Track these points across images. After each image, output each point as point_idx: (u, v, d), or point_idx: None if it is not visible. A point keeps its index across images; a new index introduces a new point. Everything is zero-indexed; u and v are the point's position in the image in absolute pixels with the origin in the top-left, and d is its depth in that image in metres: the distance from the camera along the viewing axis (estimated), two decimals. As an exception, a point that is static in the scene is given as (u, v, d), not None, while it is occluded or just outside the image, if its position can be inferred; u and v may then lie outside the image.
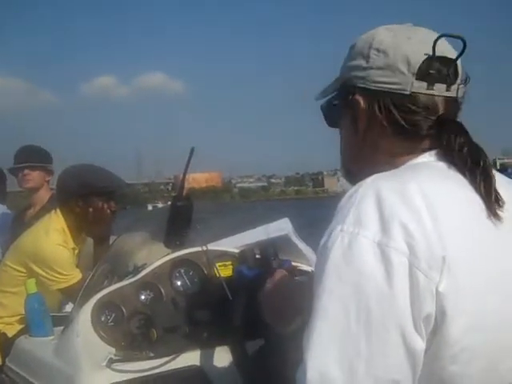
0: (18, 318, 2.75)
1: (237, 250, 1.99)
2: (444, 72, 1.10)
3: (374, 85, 1.11)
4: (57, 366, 1.81)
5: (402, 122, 1.10)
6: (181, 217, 1.96)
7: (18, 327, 2.72)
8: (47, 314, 2.21)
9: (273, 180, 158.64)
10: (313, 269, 1.94)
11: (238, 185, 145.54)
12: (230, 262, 1.96)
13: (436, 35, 1.10)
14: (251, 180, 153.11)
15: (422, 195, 0.95)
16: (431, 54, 1.08)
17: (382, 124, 1.11)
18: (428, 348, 0.92)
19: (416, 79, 1.09)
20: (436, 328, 0.92)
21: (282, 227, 2.11)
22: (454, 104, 1.12)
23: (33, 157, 3.84)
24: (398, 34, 1.13)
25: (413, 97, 1.09)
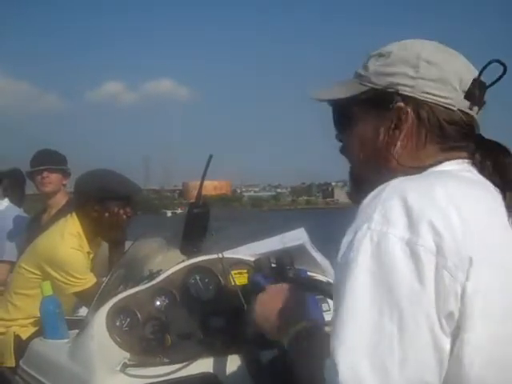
0: (32, 320, 2.77)
1: (252, 259, 1.99)
2: (480, 96, 1.14)
3: (423, 95, 1.12)
4: (71, 369, 1.82)
5: (447, 133, 1.12)
6: (197, 224, 1.97)
7: (32, 329, 2.74)
8: (62, 316, 2.22)
9: (279, 190, 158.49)
10: (328, 279, 1.94)
11: (245, 194, 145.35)
12: (245, 270, 1.96)
13: (461, 56, 1.16)
14: (256, 189, 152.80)
15: (447, 196, 0.96)
16: (476, 75, 1.13)
17: (423, 134, 1.13)
18: (451, 350, 0.92)
19: (464, 97, 1.12)
20: (458, 329, 0.92)
21: (298, 237, 2.11)
22: (477, 125, 1.17)
23: (51, 160, 3.86)
24: (444, 50, 1.17)
25: (457, 113, 1.12)
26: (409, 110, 1.12)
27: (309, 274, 1.84)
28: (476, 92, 1.13)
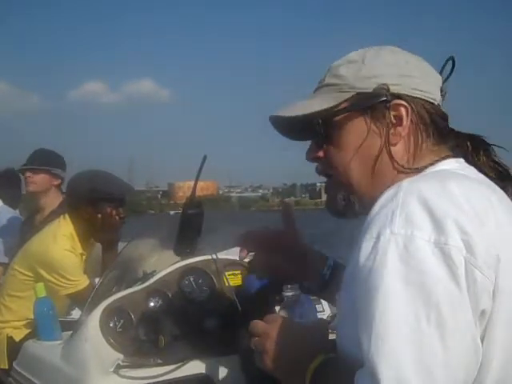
0: (25, 322, 2.76)
1: (247, 260, 1.99)
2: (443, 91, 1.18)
3: (412, 91, 1.13)
4: (65, 370, 1.82)
5: (439, 127, 1.14)
6: (191, 224, 1.97)
7: (25, 331, 2.73)
8: (56, 318, 2.22)
9: (261, 191, 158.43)
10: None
11: (230, 194, 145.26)
12: (239, 272, 1.96)
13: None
14: (238, 190, 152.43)
15: (464, 195, 0.95)
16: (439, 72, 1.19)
17: (418, 128, 1.13)
18: None
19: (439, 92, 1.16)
20: (487, 327, 0.91)
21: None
22: None
23: (37, 160, 3.81)
24: (408, 53, 1.20)
25: (438, 107, 1.15)
26: (407, 105, 1.12)
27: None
28: (443, 87, 1.17)
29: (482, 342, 0.91)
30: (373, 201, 1.01)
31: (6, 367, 2.61)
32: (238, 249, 2.11)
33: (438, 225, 0.90)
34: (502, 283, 0.91)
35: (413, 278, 0.88)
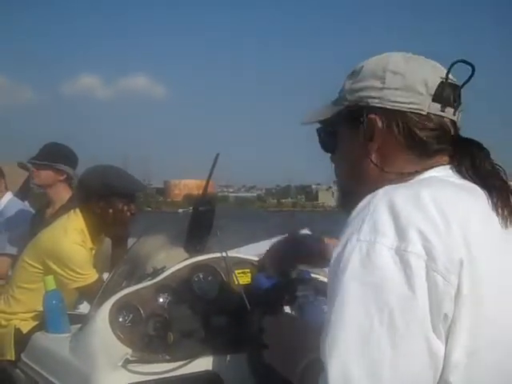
0: (33, 314, 2.77)
1: (256, 258, 1.99)
2: (452, 97, 1.17)
3: (391, 104, 1.16)
4: (73, 363, 1.82)
5: (420, 139, 1.15)
6: (202, 222, 1.97)
7: (33, 323, 2.74)
8: (65, 311, 2.23)
9: (253, 191, 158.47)
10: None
11: (226, 194, 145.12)
12: (248, 270, 1.97)
13: (437, 64, 1.20)
14: (231, 190, 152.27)
15: (434, 202, 0.97)
16: (444, 78, 1.16)
17: (397, 141, 1.16)
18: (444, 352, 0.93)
19: (432, 101, 1.15)
20: (450, 331, 0.93)
21: (302, 238, 2.11)
22: (456, 128, 1.20)
23: (42, 155, 3.82)
24: (410, 59, 1.20)
25: (428, 117, 1.15)
26: (378, 119, 1.16)
27: (312, 275, 1.84)
28: (444, 93, 1.16)
29: (448, 344, 0.93)
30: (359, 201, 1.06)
31: (13, 359, 2.62)
32: (247, 247, 2.13)
33: (400, 232, 0.94)
34: (468, 287, 0.93)
35: (370, 283, 0.93)
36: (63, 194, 3.84)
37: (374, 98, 1.17)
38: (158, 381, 1.68)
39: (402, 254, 0.92)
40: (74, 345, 1.90)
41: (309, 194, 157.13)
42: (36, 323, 2.70)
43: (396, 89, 1.16)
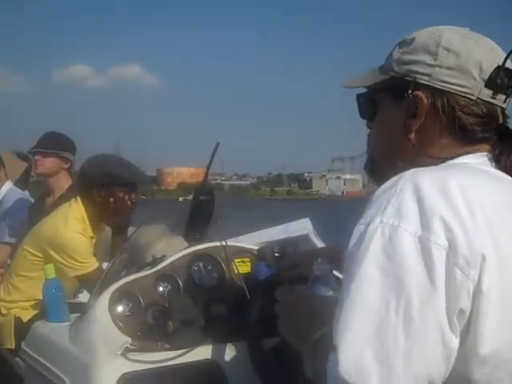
0: (33, 303, 2.77)
1: (256, 247, 1.99)
2: (506, 84, 1.11)
3: (440, 84, 1.11)
4: (73, 352, 1.83)
5: (464, 125, 1.10)
6: (202, 211, 1.97)
7: (33, 312, 2.74)
8: (64, 300, 2.23)
9: (245, 179, 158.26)
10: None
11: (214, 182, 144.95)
12: (248, 259, 1.97)
13: (494, 44, 1.14)
14: (223, 178, 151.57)
15: (461, 190, 0.94)
16: (500, 63, 1.10)
17: (440, 124, 1.12)
18: (459, 348, 0.91)
19: (484, 86, 1.10)
20: (468, 326, 0.91)
21: (302, 227, 2.11)
22: (505, 116, 1.15)
23: (46, 143, 3.82)
24: (466, 36, 1.14)
25: (476, 102, 1.10)
26: (424, 98, 1.11)
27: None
28: (498, 79, 1.10)
29: (466, 339, 0.91)
30: (390, 176, 1.02)
31: (13, 347, 2.62)
32: (247, 236, 2.13)
33: (425, 219, 0.91)
34: (489, 282, 0.91)
35: (390, 269, 0.90)
36: (63, 182, 3.84)
37: (423, 74, 1.12)
38: (158, 369, 1.69)
39: (424, 243, 0.90)
40: (73, 333, 1.90)
41: (302, 182, 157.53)
42: (36, 312, 2.70)
43: (448, 68, 1.10)
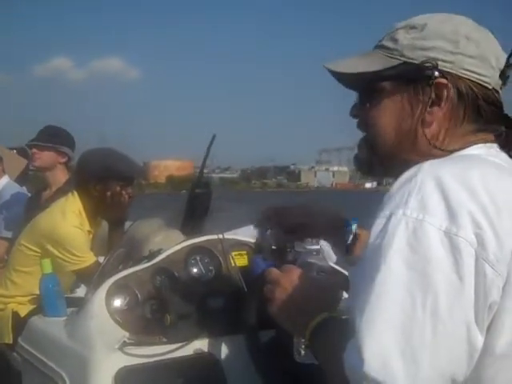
0: (31, 297, 2.76)
1: (253, 240, 1.99)
2: (509, 77, 1.13)
3: (463, 72, 1.09)
4: (70, 346, 1.82)
5: (485, 113, 1.10)
6: (199, 204, 1.97)
7: (31, 307, 2.73)
8: (61, 294, 2.23)
9: (228, 172, 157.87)
10: (329, 263, 1.93)
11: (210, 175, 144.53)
12: (245, 252, 1.96)
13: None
14: (206, 171, 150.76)
15: (483, 183, 0.92)
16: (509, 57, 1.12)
17: (464, 113, 1.10)
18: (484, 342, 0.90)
19: (499, 77, 1.11)
20: (494, 322, 0.90)
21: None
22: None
23: (44, 137, 3.83)
24: (479, 27, 1.13)
25: (491, 92, 1.10)
26: (450, 86, 1.08)
27: (311, 260, 1.83)
28: (507, 72, 1.11)
29: (492, 334, 0.90)
30: (396, 168, 1.02)
31: (11, 342, 2.62)
32: (244, 229, 2.12)
33: (451, 214, 0.89)
34: None
35: (416, 264, 0.88)
36: (60, 176, 3.84)
37: (445, 61, 1.08)
38: (155, 363, 1.69)
39: (451, 238, 0.87)
40: (70, 328, 1.90)
41: (290, 174, 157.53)
42: (33, 307, 2.69)
43: (471, 56, 1.09)
